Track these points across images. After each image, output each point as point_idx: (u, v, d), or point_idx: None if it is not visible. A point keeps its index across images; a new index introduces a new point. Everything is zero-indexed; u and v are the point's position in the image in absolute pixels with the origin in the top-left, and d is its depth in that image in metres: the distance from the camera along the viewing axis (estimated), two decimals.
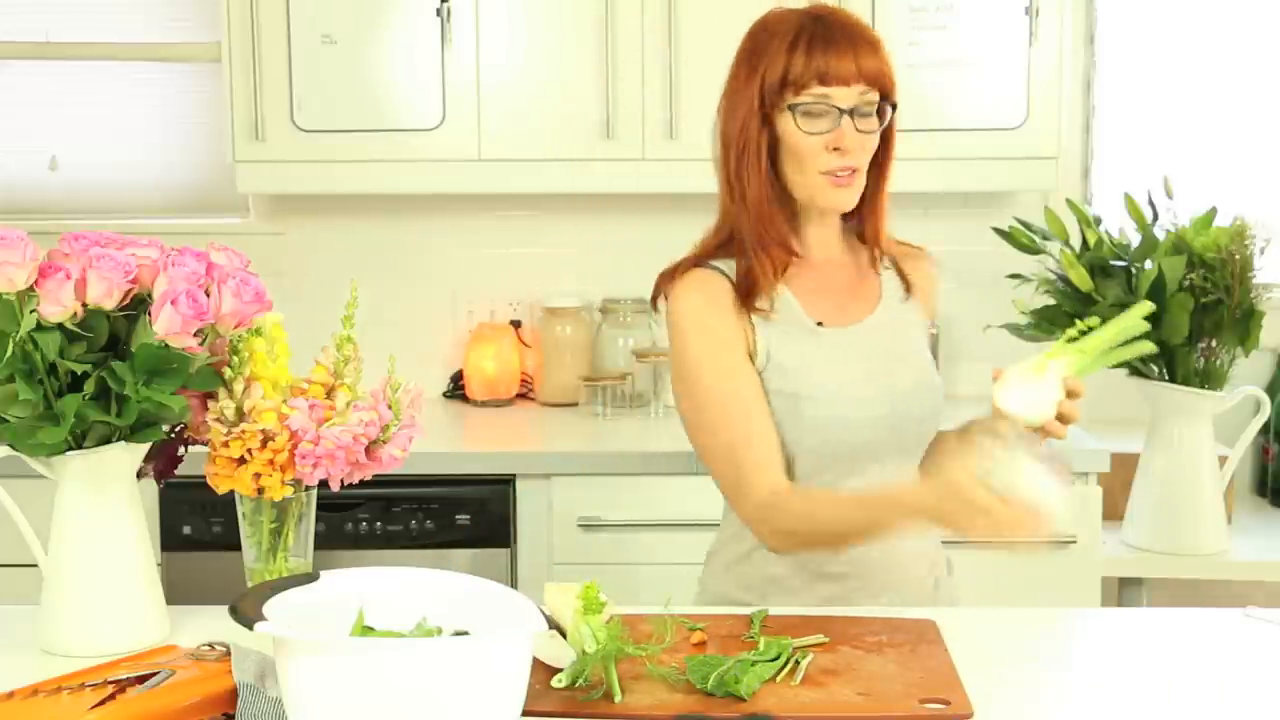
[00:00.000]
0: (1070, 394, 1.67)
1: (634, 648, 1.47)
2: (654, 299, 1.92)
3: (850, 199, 1.84)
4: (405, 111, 3.05)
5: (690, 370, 1.85)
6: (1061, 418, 1.68)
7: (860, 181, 1.83)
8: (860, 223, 1.92)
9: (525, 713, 1.26)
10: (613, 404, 3.18)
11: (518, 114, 3.05)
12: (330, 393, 1.60)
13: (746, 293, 1.85)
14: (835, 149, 1.79)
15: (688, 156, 2.99)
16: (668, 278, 1.89)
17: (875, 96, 1.80)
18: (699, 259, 1.89)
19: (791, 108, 1.79)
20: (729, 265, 1.87)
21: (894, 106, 1.83)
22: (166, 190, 3.49)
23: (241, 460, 1.56)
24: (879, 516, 1.75)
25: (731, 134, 1.85)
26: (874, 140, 1.82)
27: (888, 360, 1.88)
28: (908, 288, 1.95)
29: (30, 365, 1.51)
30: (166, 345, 1.53)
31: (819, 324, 1.87)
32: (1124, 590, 3.00)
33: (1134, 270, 2.66)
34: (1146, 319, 1.68)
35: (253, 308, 1.59)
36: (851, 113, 1.78)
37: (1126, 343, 1.71)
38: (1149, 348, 1.76)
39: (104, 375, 1.52)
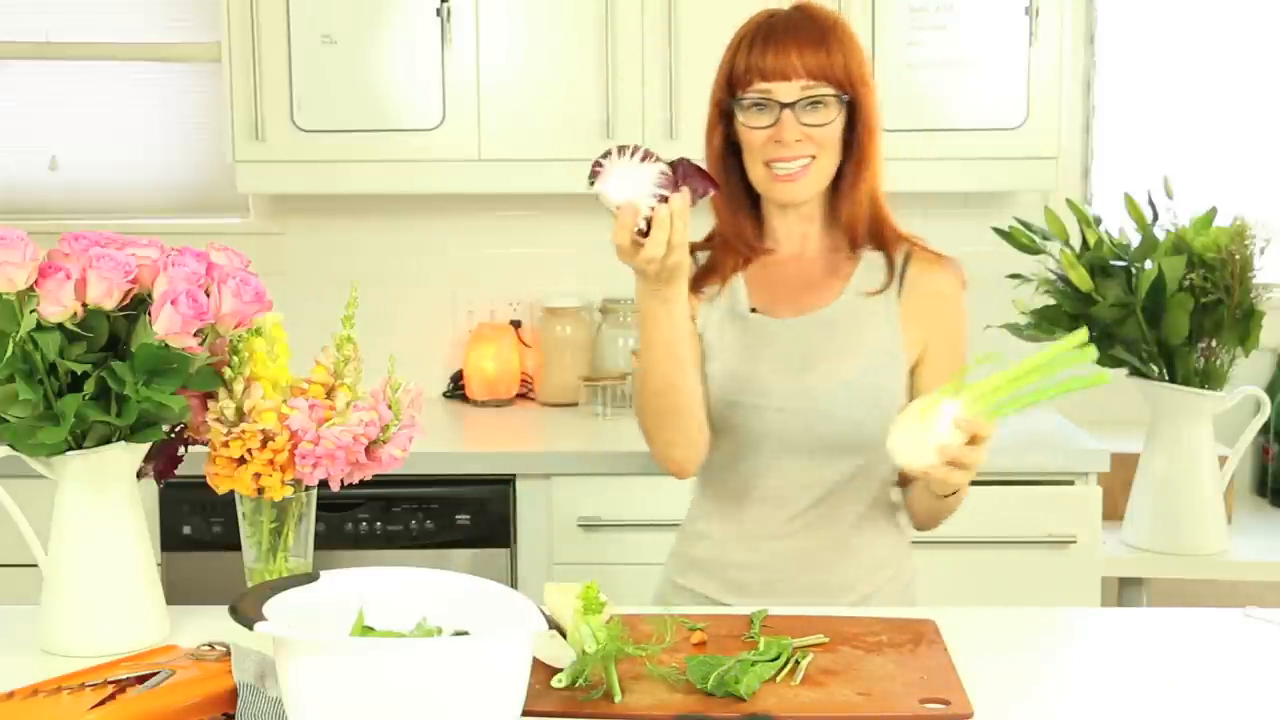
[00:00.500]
0: (973, 439, 1.63)
1: (634, 648, 1.47)
2: None
3: (796, 193, 1.86)
4: (405, 111, 3.05)
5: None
6: (955, 462, 1.63)
7: (817, 172, 1.85)
8: (839, 216, 1.91)
9: (525, 713, 1.26)
10: (613, 404, 3.17)
11: (518, 114, 3.05)
12: (330, 393, 1.60)
13: (700, 278, 1.92)
14: (777, 141, 1.82)
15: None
16: None
17: (826, 90, 1.82)
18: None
19: (738, 104, 1.85)
20: (704, 255, 1.95)
21: (847, 98, 1.83)
22: (166, 190, 3.49)
23: (241, 460, 1.56)
24: (643, 364, 1.81)
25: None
26: (827, 133, 1.83)
27: (816, 356, 1.86)
28: (893, 284, 1.90)
29: (30, 365, 1.51)
30: (166, 345, 1.53)
31: (753, 310, 1.89)
32: (1124, 590, 3.00)
33: (1134, 270, 2.66)
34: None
35: (253, 308, 1.59)
36: (794, 106, 1.81)
37: (1069, 380, 1.57)
38: (1096, 380, 1.60)
39: (104, 375, 1.52)
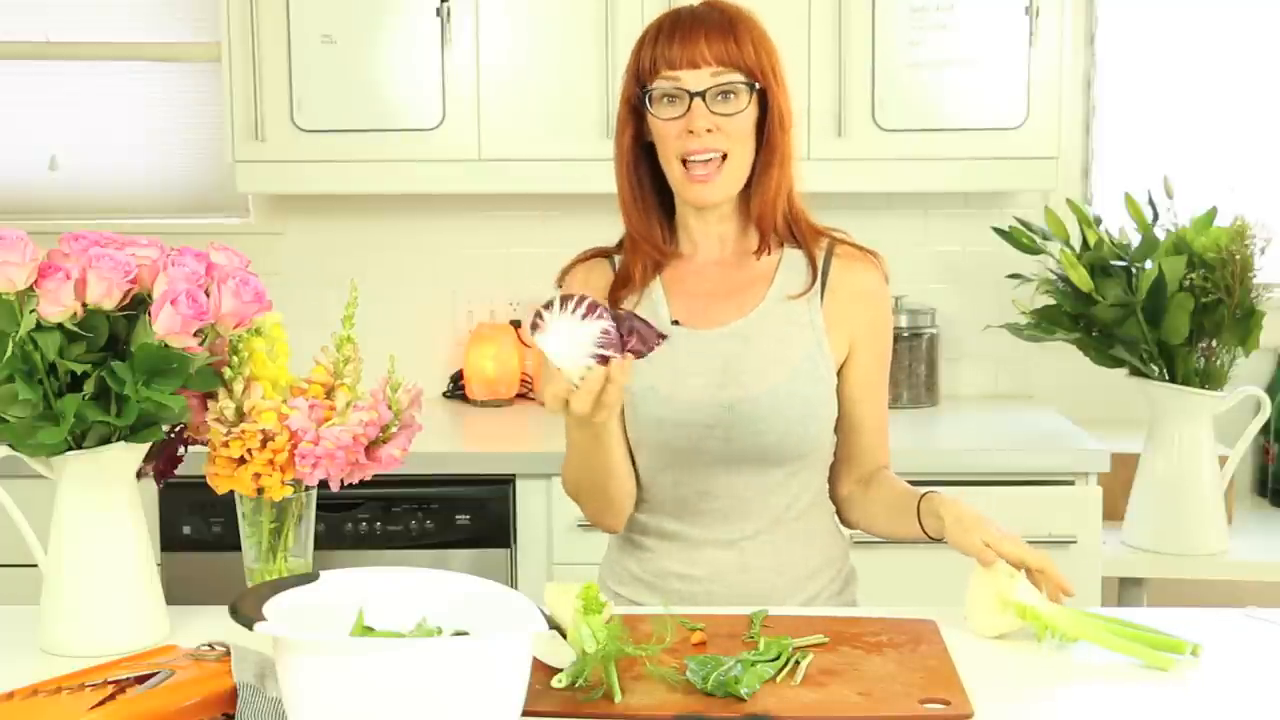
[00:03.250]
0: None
1: (634, 648, 1.47)
2: (559, 279, 2.00)
3: (711, 194, 1.82)
4: (405, 111, 3.05)
5: None
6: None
7: (731, 171, 1.82)
8: (749, 209, 1.88)
9: (525, 713, 1.26)
10: None
11: (518, 114, 3.05)
12: (330, 393, 1.60)
13: (616, 289, 1.90)
14: (689, 131, 1.79)
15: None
16: (570, 264, 1.98)
17: (735, 78, 1.79)
18: (605, 249, 1.96)
19: (647, 95, 1.82)
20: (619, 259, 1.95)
21: (756, 87, 1.80)
22: (166, 190, 3.49)
23: (241, 460, 1.56)
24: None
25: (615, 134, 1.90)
26: (738, 124, 1.80)
27: (741, 366, 1.83)
28: (816, 284, 1.87)
29: (30, 365, 1.51)
30: (166, 345, 1.53)
31: (675, 323, 1.87)
32: (1124, 590, 3.00)
33: (1134, 270, 2.66)
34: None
35: (253, 308, 1.59)
36: (704, 95, 1.78)
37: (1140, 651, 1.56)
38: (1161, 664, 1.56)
39: (104, 375, 1.52)
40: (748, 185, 1.86)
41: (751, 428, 1.82)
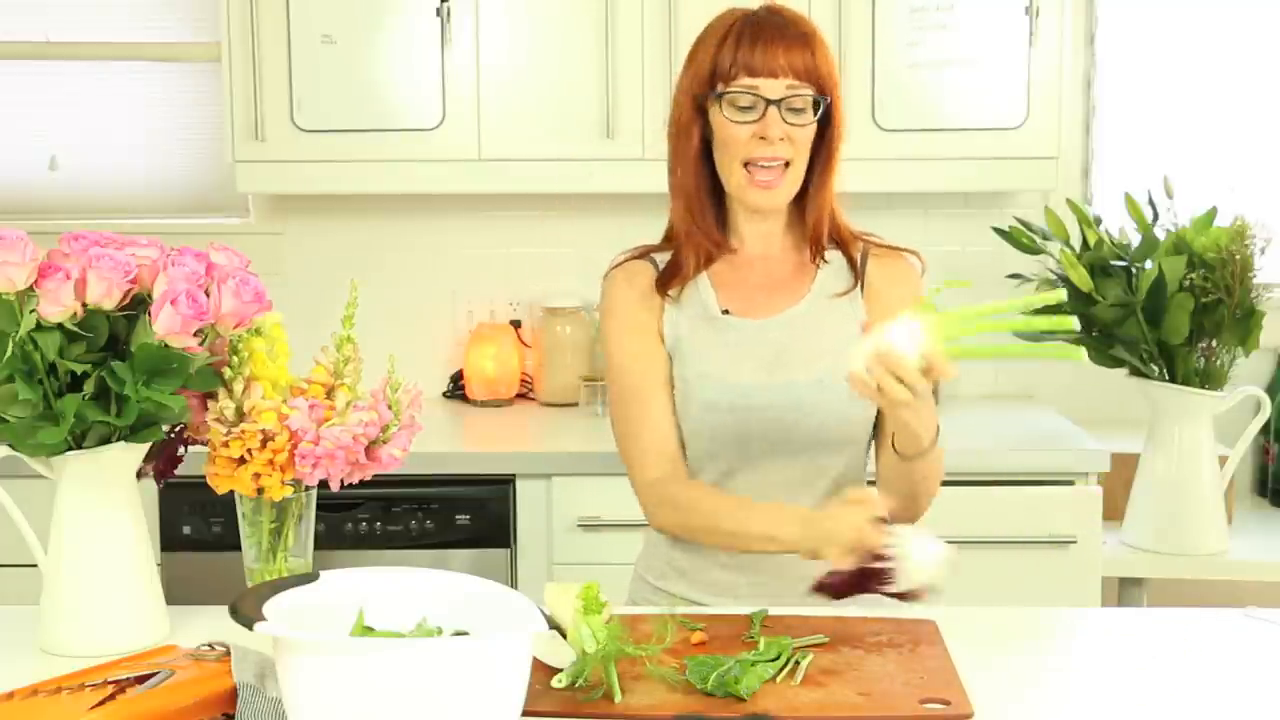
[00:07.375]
0: (925, 369, 1.63)
1: (634, 648, 1.47)
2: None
3: (773, 200, 1.88)
4: (405, 111, 3.05)
5: (608, 352, 1.97)
6: (891, 372, 1.63)
7: (792, 178, 1.87)
8: (803, 218, 1.93)
9: (525, 713, 1.26)
10: None
11: (518, 114, 3.05)
12: (330, 393, 1.60)
13: (665, 280, 1.93)
14: (761, 138, 1.83)
15: None
16: (611, 266, 1.99)
17: (807, 91, 1.84)
18: (644, 250, 1.99)
19: (720, 96, 1.85)
20: (665, 257, 1.97)
21: (826, 102, 1.85)
22: (166, 190, 3.49)
23: (241, 460, 1.56)
24: (750, 528, 1.81)
25: (671, 126, 1.93)
26: (805, 134, 1.86)
27: (790, 355, 1.88)
28: (858, 284, 1.93)
29: (30, 365, 1.51)
30: (166, 345, 1.53)
31: (725, 312, 1.91)
32: (1124, 590, 3.00)
33: (1134, 270, 2.66)
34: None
35: (253, 308, 1.59)
36: (779, 104, 1.83)
37: (1042, 347, 1.58)
38: (1070, 354, 1.59)
39: (104, 375, 1.52)
40: (801, 189, 1.91)
41: (801, 412, 1.86)
